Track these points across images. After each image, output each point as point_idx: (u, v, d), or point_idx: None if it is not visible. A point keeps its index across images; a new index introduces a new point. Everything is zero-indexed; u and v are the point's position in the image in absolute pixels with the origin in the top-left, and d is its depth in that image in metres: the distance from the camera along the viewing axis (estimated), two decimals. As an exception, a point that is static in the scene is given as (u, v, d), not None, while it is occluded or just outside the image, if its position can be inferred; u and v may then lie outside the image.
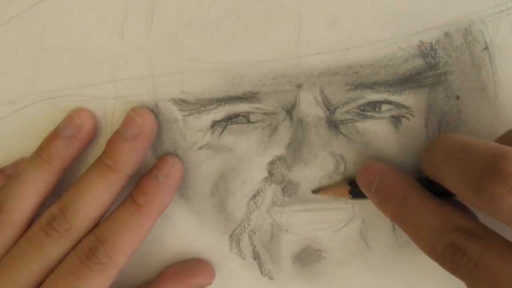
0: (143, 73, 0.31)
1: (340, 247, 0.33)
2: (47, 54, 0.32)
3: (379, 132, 0.31)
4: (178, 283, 0.33)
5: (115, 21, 0.30)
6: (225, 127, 0.32)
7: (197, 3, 0.30)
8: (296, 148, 0.32)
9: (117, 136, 0.31)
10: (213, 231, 0.34)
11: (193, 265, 0.34)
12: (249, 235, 0.34)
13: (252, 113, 0.32)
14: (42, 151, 0.31)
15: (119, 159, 0.30)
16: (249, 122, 0.32)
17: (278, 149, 0.32)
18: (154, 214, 0.31)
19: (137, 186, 0.31)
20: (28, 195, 0.31)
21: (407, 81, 0.30)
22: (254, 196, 0.33)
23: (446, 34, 0.29)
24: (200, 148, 0.32)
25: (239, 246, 0.34)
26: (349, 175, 0.32)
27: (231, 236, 0.34)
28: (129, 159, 0.31)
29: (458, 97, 0.31)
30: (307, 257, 0.34)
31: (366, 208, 0.32)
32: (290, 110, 0.31)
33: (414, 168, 0.32)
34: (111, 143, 0.31)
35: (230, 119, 0.32)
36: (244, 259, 0.34)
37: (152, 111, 0.32)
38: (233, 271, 0.34)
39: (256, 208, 0.33)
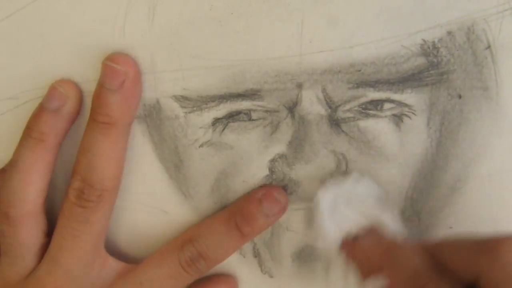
0: (144, 70, 0.31)
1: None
2: (48, 50, 0.31)
3: (381, 130, 0.31)
4: None
5: (116, 17, 0.30)
6: (227, 124, 0.32)
7: (199, 1, 0.30)
8: (298, 146, 0.32)
9: (103, 90, 0.30)
10: (213, 228, 0.34)
11: (215, 276, 0.34)
12: (249, 233, 0.34)
13: (254, 110, 0.31)
14: (31, 130, 0.31)
15: (114, 113, 0.30)
16: (250, 119, 0.32)
17: (279, 147, 0.32)
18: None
19: (244, 217, 0.32)
20: (32, 181, 0.31)
21: (409, 79, 0.30)
22: (255, 194, 0.33)
23: (449, 33, 0.29)
24: (202, 146, 0.32)
25: (239, 244, 0.34)
26: (350, 174, 0.32)
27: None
28: (124, 109, 0.30)
29: (460, 96, 0.31)
30: (307, 255, 0.34)
31: (367, 206, 0.32)
32: (291, 108, 0.31)
33: (415, 167, 0.32)
34: (98, 99, 0.30)
35: (232, 116, 0.32)
36: (244, 256, 0.34)
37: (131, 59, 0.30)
38: (233, 268, 0.34)
39: (257, 206, 0.33)
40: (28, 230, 0.31)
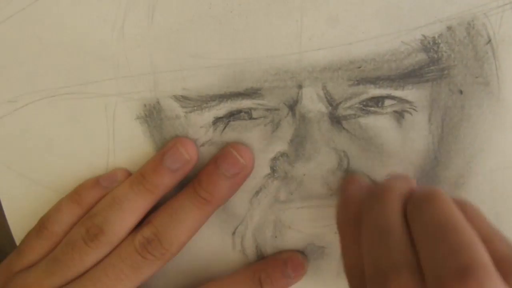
0: (144, 70, 0.31)
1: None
2: (47, 52, 0.31)
3: (382, 127, 0.31)
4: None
5: (115, 18, 0.30)
6: (227, 123, 0.32)
7: (198, -1, 0.29)
8: (299, 144, 0.31)
9: (217, 172, 0.31)
10: (215, 228, 0.34)
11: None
12: (252, 232, 0.34)
13: (254, 109, 0.31)
14: (146, 180, 0.31)
15: (218, 194, 0.31)
16: (251, 118, 0.32)
17: (280, 145, 0.32)
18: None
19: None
20: (130, 221, 0.31)
21: (410, 75, 0.30)
22: (257, 192, 0.33)
23: (449, 28, 0.29)
24: (203, 145, 0.32)
25: (242, 243, 0.34)
26: (352, 171, 0.32)
27: (233, 233, 0.34)
28: (227, 194, 0.31)
29: (461, 92, 0.30)
30: (310, 253, 0.34)
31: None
32: (292, 106, 0.31)
33: (417, 164, 0.32)
34: (209, 176, 0.31)
35: (232, 115, 0.32)
36: (247, 256, 0.34)
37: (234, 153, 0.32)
38: (236, 268, 0.34)
39: (259, 204, 0.33)
40: (98, 257, 0.31)
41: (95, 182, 0.33)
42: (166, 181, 0.31)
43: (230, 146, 0.31)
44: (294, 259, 0.33)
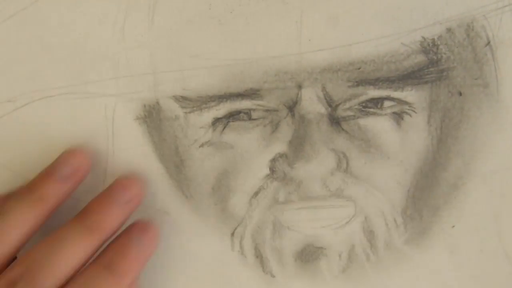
0: (144, 70, 0.31)
1: (342, 244, 0.33)
2: (47, 52, 0.31)
3: (381, 128, 0.31)
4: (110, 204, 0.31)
5: (116, 18, 0.30)
6: (227, 124, 0.32)
7: (198, 0, 0.30)
8: (298, 145, 0.31)
9: (109, 199, 0.29)
10: (214, 229, 0.34)
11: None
12: (251, 233, 0.34)
13: (254, 110, 0.31)
14: (33, 191, 0.29)
15: (107, 224, 0.28)
16: (250, 119, 0.32)
17: (280, 146, 0.32)
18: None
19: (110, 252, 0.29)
20: (15, 234, 0.28)
21: (409, 77, 0.30)
22: (256, 193, 0.33)
23: (449, 30, 0.29)
24: (202, 146, 0.32)
25: (240, 244, 0.34)
26: (351, 172, 0.32)
27: (232, 234, 0.34)
28: (118, 224, 0.29)
29: (460, 93, 0.31)
30: (309, 254, 0.34)
31: (369, 205, 0.32)
32: (292, 107, 0.31)
33: (416, 165, 0.32)
34: (99, 205, 0.29)
35: (232, 116, 0.32)
36: (246, 257, 0.34)
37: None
38: (235, 269, 0.34)
39: (258, 205, 0.33)
40: None
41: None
42: (56, 190, 0.29)
43: (120, 177, 0.31)
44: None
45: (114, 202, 0.29)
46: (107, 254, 0.28)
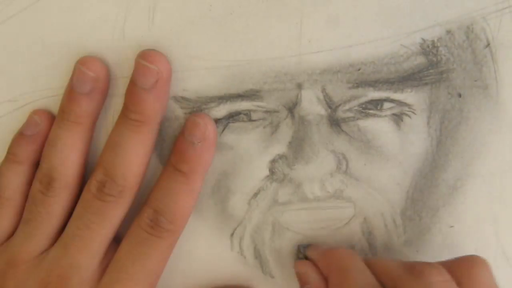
0: (144, 71, 0.31)
1: (341, 245, 0.33)
2: (48, 52, 0.31)
3: (380, 130, 0.31)
4: None
5: (116, 19, 0.30)
6: (227, 125, 0.32)
7: (199, 1, 0.30)
8: (298, 147, 0.32)
9: (136, 89, 0.30)
10: (214, 229, 0.34)
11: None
12: (250, 234, 0.34)
13: (254, 111, 0.31)
14: (67, 114, 0.31)
15: (146, 111, 0.30)
16: (250, 120, 0.32)
17: (279, 147, 0.32)
18: (201, 175, 0.31)
19: (176, 155, 0.31)
20: (72, 159, 0.31)
21: (409, 79, 0.30)
22: (255, 194, 0.33)
23: (448, 31, 0.29)
24: (202, 146, 0.32)
25: (240, 244, 0.34)
26: (351, 174, 0.32)
27: (232, 234, 0.34)
28: (156, 107, 0.30)
29: (460, 95, 0.31)
30: (309, 255, 0.34)
31: (368, 206, 0.32)
32: (291, 108, 0.31)
33: (416, 166, 0.32)
34: (132, 96, 0.30)
35: (232, 117, 0.32)
36: (245, 257, 0.34)
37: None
38: (234, 270, 0.34)
39: (257, 206, 0.33)
40: (61, 204, 0.31)
41: (20, 135, 0.32)
42: (85, 107, 0.30)
43: (139, 56, 0.30)
44: (186, 123, 0.31)
45: (140, 90, 0.30)
46: (172, 157, 0.31)
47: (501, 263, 0.33)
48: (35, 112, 0.32)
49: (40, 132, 0.32)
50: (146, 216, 0.30)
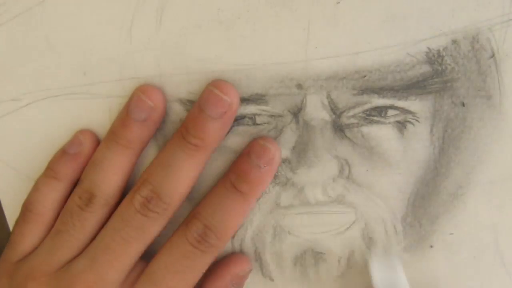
0: (150, 73, 0.31)
1: (342, 250, 0.33)
2: (53, 52, 0.31)
3: (384, 137, 0.31)
4: (217, 278, 0.33)
5: (123, 20, 0.30)
6: (231, 128, 0.32)
7: (207, 4, 0.30)
8: (301, 151, 0.32)
9: (203, 116, 0.30)
10: (215, 231, 0.34)
11: (225, 258, 0.34)
12: (251, 236, 0.34)
13: (258, 115, 0.32)
14: (118, 137, 0.31)
15: (208, 138, 0.30)
16: (255, 124, 0.32)
17: (283, 151, 0.32)
18: (257, 198, 0.32)
19: (237, 174, 0.31)
20: (115, 179, 0.31)
21: (414, 87, 0.30)
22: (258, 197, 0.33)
23: (454, 41, 0.30)
24: (206, 149, 0.32)
25: (241, 247, 0.34)
26: (353, 179, 0.32)
27: (233, 237, 0.34)
28: (218, 136, 0.30)
29: (463, 104, 0.31)
30: (309, 259, 0.34)
31: (370, 212, 0.33)
32: (296, 113, 0.31)
33: (418, 174, 0.32)
34: (196, 121, 0.30)
35: (236, 120, 0.32)
36: (245, 260, 0.34)
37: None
38: (235, 272, 0.34)
39: (259, 209, 0.33)
40: (97, 220, 0.31)
41: (63, 152, 0.32)
42: (137, 133, 0.31)
43: (212, 85, 0.30)
44: (254, 145, 0.31)
45: (208, 117, 0.30)
46: (232, 174, 0.31)
47: (499, 271, 0.33)
48: (81, 132, 0.32)
49: (83, 151, 0.32)
50: (195, 230, 0.30)
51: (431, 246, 0.33)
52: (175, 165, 0.30)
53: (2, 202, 0.34)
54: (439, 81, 0.30)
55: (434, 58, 0.30)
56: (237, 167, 0.31)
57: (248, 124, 0.32)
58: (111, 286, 0.30)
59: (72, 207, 0.31)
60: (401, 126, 0.31)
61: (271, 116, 0.32)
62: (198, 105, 0.30)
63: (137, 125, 0.31)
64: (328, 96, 0.31)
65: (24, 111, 0.32)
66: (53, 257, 0.31)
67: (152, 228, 0.31)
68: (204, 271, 0.31)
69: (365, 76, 0.30)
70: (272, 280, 0.35)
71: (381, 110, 0.31)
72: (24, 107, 0.32)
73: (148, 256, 0.32)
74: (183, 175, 0.30)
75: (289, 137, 0.32)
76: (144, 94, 0.31)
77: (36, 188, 0.33)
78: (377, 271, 0.32)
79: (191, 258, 0.30)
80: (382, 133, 0.31)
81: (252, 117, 0.32)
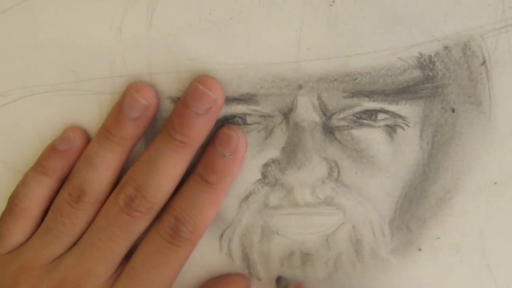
0: (140, 70, 0.31)
1: (329, 252, 0.34)
2: (41, 48, 0.31)
3: (373, 140, 0.32)
4: None
5: (113, 17, 0.30)
6: (220, 127, 0.32)
7: (199, 4, 0.29)
8: (291, 152, 0.32)
9: (189, 112, 0.30)
10: (203, 230, 0.34)
11: (228, 277, 0.34)
12: (239, 236, 0.34)
13: (249, 115, 0.32)
14: (111, 135, 0.31)
15: (193, 134, 0.30)
16: (245, 123, 0.32)
17: (273, 152, 0.32)
18: (227, 187, 0.32)
19: (204, 165, 0.31)
20: (106, 176, 0.31)
21: (404, 91, 0.30)
22: (247, 197, 0.33)
23: (446, 47, 0.30)
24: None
25: (228, 246, 0.34)
26: (342, 181, 0.32)
27: (221, 236, 0.34)
28: (203, 132, 0.30)
29: (453, 110, 0.31)
30: (296, 260, 0.34)
31: (358, 214, 0.33)
32: (287, 114, 0.31)
33: (406, 177, 0.32)
34: (181, 118, 0.30)
35: (227, 119, 0.32)
36: (233, 259, 0.34)
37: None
38: (222, 271, 0.35)
39: (248, 209, 0.33)
40: (87, 217, 0.31)
41: (52, 148, 0.32)
42: (130, 131, 0.31)
43: (197, 81, 0.30)
44: (219, 135, 0.31)
45: (193, 113, 0.30)
46: (200, 166, 0.31)
47: (485, 276, 0.33)
48: (71, 129, 0.32)
49: (73, 148, 0.32)
50: (167, 225, 0.31)
51: (420, 250, 0.33)
52: (159, 162, 0.30)
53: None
54: (429, 86, 0.30)
55: (426, 64, 0.30)
56: (204, 158, 0.31)
57: (238, 124, 0.32)
58: (99, 279, 0.31)
59: (62, 204, 0.31)
60: (391, 130, 0.31)
61: (262, 116, 0.32)
62: (183, 101, 0.30)
63: (130, 122, 0.31)
64: (319, 98, 0.31)
65: (12, 106, 0.32)
66: (44, 251, 0.31)
67: (137, 226, 0.31)
68: (181, 265, 0.31)
69: (356, 79, 0.30)
70: (259, 279, 0.35)
71: (371, 114, 0.31)
72: (12, 102, 0.32)
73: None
74: (168, 172, 0.30)
75: (279, 137, 0.32)
76: (138, 93, 0.30)
77: (24, 182, 0.32)
78: None
79: (165, 253, 0.31)
80: (372, 137, 0.31)
81: (243, 117, 0.32)
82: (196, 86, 0.30)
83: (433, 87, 0.30)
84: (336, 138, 0.32)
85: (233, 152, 0.31)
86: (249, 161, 0.32)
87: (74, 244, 0.32)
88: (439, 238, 0.33)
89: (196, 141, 0.31)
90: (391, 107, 0.31)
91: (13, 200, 0.32)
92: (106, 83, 0.31)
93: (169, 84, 0.31)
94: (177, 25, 0.30)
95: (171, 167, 0.30)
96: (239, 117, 0.32)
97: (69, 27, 0.30)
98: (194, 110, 0.30)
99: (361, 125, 0.31)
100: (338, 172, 0.32)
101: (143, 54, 0.30)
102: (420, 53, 0.30)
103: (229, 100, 0.31)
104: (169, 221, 0.31)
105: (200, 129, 0.30)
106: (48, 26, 0.30)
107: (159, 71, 0.31)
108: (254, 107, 0.31)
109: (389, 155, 0.32)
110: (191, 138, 0.30)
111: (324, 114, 0.31)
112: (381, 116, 0.31)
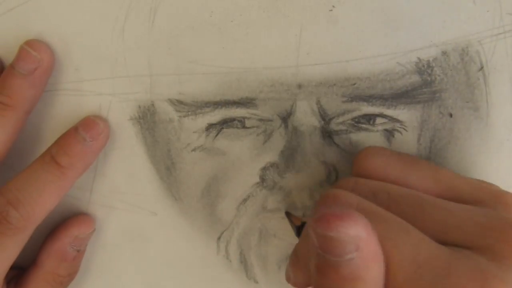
0: (141, 72, 0.31)
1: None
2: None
3: (372, 144, 0.32)
4: (55, 240, 0.32)
5: (116, 19, 0.30)
6: (220, 130, 0.32)
7: (200, 7, 0.30)
8: (289, 156, 0.32)
9: (12, 71, 0.29)
10: (201, 232, 0.34)
11: (66, 220, 0.32)
12: (237, 239, 0.34)
13: (248, 118, 0.32)
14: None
15: (16, 96, 0.29)
16: (244, 127, 0.32)
17: (271, 155, 0.32)
18: (76, 175, 0.30)
19: (60, 145, 0.30)
20: None
21: (403, 96, 0.31)
22: (245, 200, 0.33)
23: (444, 52, 0.30)
24: (194, 150, 0.32)
25: (226, 248, 0.34)
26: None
27: (219, 238, 0.34)
28: (27, 95, 0.29)
29: (451, 115, 0.31)
30: (293, 263, 0.34)
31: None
32: (285, 118, 0.31)
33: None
34: (4, 78, 0.29)
35: (226, 123, 0.32)
36: (230, 261, 0.34)
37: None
38: (219, 273, 0.35)
39: (246, 212, 0.33)
40: None
41: (11, 71, 0.30)
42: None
43: (24, 43, 0.29)
44: (84, 120, 0.31)
45: (16, 73, 0.29)
46: (54, 147, 0.30)
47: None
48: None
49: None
50: None
51: None
52: None
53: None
54: (428, 91, 0.31)
55: (424, 69, 0.30)
56: (61, 139, 0.30)
57: (237, 127, 0.32)
58: None
59: None
60: (389, 134, 0.32)
61: (261, 120, 0.32)
62: (11, 63, 0.29)
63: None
64: (318, 102, 0.31)
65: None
66: None
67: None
68: (12, 257, 0.28)
69: (355, 84, 0.30)
70: (256, 282, 0.35)
71: (369, 118, 0.31)
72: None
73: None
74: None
75: (278, 141, 0.32)
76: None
77: None
78: None
79: None
80: (370, 141, 0.32)
81: (242, 120, 0.32)
82: (21, 47, 0.29)
83: (431, 92, 0.31)
84: (334, 142, 0.32)
85: (95, 139, 0.30)
86: (247, 164, 0.32)
87: None
88: (436, 242, 0.33)
89: (19, 104, 0.29)
90: (390, 112, 0.31)
91: None
92: (106, 84, 0.31)
93: (169, 86, 0.31)
94: (179, 27, 0.30)
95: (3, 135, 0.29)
96: (238, 121, 0.32)
97: (73, 27, 0.31)
98: (17, 70, 0.29)
99: (360, 129, 0.31)
100: (336, 176, 0.32)
101: (144, 55, 0.31)
102: (419, 58, 0.30)
103: (229, 103, 0.31)
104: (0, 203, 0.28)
105: (23, 90, 0.29)
106: (52, 26, 0.31)
107: (159, 73, 0.31)
108: (253, 111, 0.31)
109: (387, 159, 0.32)
110: (13, 100, 0.29)
111: (323, 119, 0.31)
112: (379, 120, 0.31)
